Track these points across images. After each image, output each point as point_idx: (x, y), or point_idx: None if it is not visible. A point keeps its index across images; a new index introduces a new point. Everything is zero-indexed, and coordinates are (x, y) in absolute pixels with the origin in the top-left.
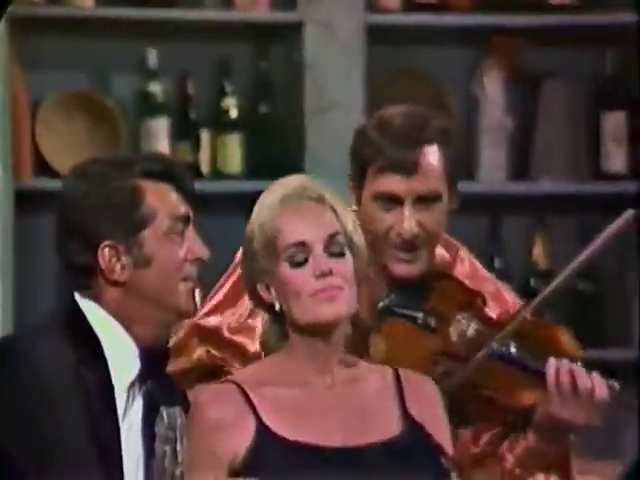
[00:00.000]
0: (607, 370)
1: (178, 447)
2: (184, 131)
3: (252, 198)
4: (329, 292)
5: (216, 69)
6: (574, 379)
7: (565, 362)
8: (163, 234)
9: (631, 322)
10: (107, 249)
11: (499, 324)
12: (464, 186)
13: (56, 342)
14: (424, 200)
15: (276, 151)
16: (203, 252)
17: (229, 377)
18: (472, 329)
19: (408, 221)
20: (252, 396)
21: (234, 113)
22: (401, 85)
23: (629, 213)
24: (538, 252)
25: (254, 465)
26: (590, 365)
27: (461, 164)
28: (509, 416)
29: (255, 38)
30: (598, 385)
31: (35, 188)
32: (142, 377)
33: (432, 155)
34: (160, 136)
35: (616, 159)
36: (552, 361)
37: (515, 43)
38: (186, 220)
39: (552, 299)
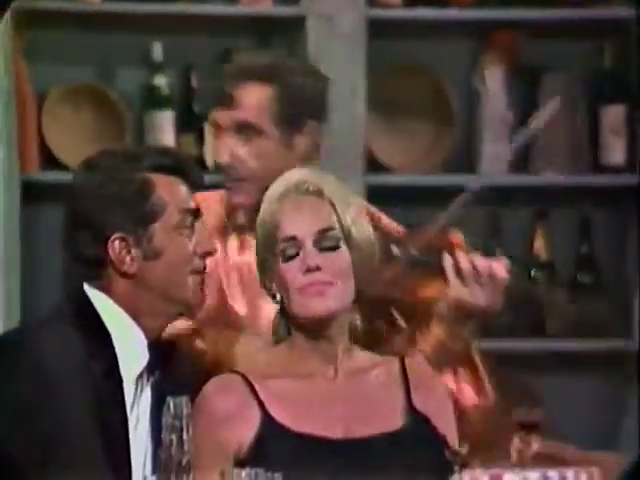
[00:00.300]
0: (608, 361)
1: (184, 436)
2: (188, 124)
3: None
4: (316, 287)
5: (220, 62)
6: (472, 263)
7: (462, 253)
8: (173, 227)
9: (631, 313)
10: (117, 241)
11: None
12: (466, 179)
13: (64, 333)
14: (242, 132)
15: None
16: (212, 245)
17: (235, 368)
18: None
19: (222, 149)
20: (257, 387)
21: None
22: (402, 79)
23: (554, 101)
24: (539, 244)
25: (259, 456)
26: (590, 357)
27: (463, 156)
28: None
29: (258, 32)
30: (496, 265)
31: (42, 180)
32: (150, 368)
33: (256, 91)
34: (165, 129)
35: (615, 152)
36: (447, 254)
37: (515, 36)
38: (195, 213)
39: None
